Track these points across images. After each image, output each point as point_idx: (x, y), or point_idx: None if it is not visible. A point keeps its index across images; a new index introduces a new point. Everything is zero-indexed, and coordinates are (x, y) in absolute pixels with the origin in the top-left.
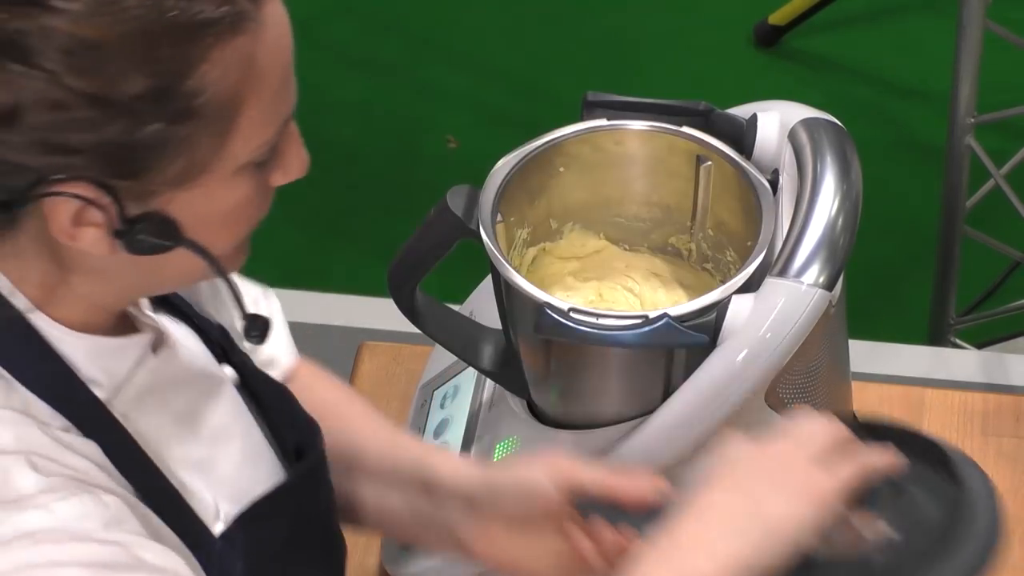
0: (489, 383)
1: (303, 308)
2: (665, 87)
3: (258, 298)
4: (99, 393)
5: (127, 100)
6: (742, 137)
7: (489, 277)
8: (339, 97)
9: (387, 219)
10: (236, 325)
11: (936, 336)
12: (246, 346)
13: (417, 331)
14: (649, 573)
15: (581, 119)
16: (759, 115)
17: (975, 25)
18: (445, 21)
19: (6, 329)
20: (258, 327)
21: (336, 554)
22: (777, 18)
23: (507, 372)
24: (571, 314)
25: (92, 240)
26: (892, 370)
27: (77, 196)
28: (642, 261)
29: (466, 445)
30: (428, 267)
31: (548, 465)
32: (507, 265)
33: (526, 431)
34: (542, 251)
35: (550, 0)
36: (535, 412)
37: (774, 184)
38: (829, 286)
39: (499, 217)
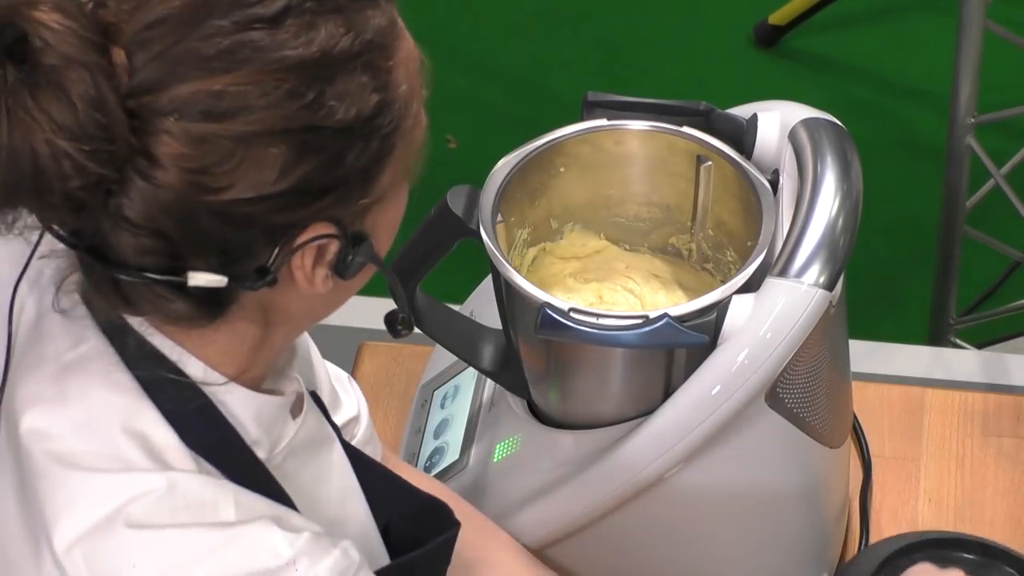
0: (489, 383)
1: None
2: (665, 87)
3: (343, 380)
4: (260, 453)
5: (365, 120)
6: (742, 137)
7: (489, 277)
8: None
9: None
10: (321, 388)
11: (936, 336)
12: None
13: (417, 331)
14: None
15: (581, 119)
16: (759, 115)
17: (975, 25)
18: (445, 21)
19: (194, 413)
20: (405, 322)
21: None
22: (777, 18)
23: (507, 372)
24: (571, 314)
25: (323, 278)
26: (892, 370)
27: (321, 237)
28: (642, 262)
29: (466, 445)
30: (428, 267)
31: None
32: (507, 265)
33: (526, 431)
34: (542, 251)
35: (550, 0)
36: (535, 412)
37: (774, 184)
38: (830, 286)
39: (499, 217)
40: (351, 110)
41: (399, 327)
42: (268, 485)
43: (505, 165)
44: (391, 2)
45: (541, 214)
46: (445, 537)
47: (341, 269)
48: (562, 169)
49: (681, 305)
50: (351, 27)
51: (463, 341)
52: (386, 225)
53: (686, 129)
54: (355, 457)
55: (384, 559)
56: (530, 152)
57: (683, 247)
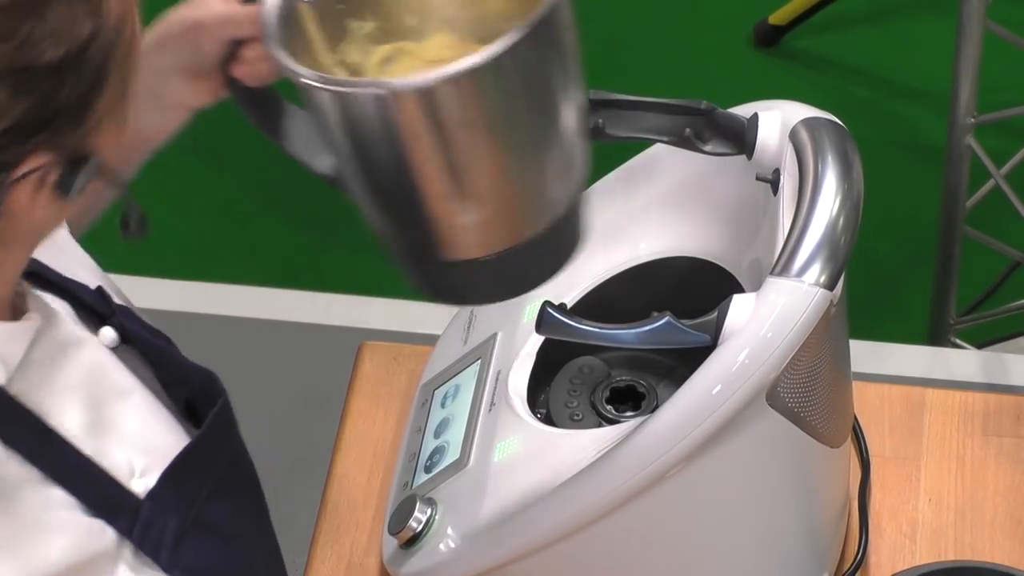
0: (490, 383)
1: (303, 308)
2: (665, 87)
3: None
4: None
5: (78, 52)
6: (743, 136)
7: None
8: None
9: None
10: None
11: (936, 336)
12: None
13: (417, 331)
14: None
15: None
16: (760, 114)
17: (975, 25)
18: None
19: None
20: (135, 220)
21: (260, 499)
22: (777, 18)
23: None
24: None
25: (45, 203)
26: (892, 370)
27: (39, 168)
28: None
29: (466, 445)
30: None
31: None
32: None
33: (527, 431)
34: (399, 51)
35: None
36: (537, 412)
37: (775, 184)
38: (830, 285)
39: None
40: (63, 46)
41: (131, 227)
42: (12, 411)
43: None
44: None
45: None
46: (218, 407)
47: (65, 191)
48: None
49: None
50: None
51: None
52: (111, 141)
53: None
54: (142, 350)
55: (171, 434)
56: None
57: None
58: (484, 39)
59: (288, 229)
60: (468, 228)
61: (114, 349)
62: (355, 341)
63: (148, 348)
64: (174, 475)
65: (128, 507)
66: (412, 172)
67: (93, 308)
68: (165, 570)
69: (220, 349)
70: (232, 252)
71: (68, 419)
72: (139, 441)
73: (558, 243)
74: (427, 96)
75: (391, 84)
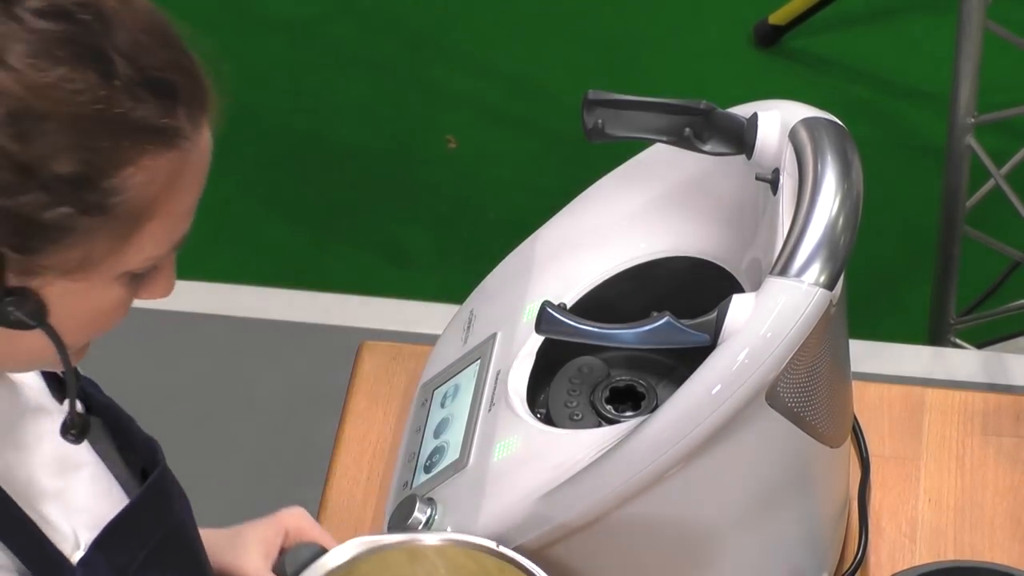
0: (490, 383)
1: (303, 308)
2: (665, 87)
3: None
4: None
5: (50, 177)
6: (743, 136)
7: (489, 275)
8: (339, 97)
9: (387, 219)
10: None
11: (936, 336)
12: None
13: (417, 331)
14: None
15: (581, 119)
16: (760, 114)
17: (975, 25)
18: (445, 21)
19: None
20: (77, 426)
21: (203, 567)
22: (777, 18)
23: None
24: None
25: None
26: (892, 370)
27: None
28: None
29: (466, 445)
30: None
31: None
32: None
33: (526, 431)
34: None
35: (550, 0)
36: (536, 412)
37: (775, 183)
38: (830, 285)
39: None
40: (45, 159)
41: (72, 431)
42: None
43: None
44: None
45: None
46: (153, 477)
47: None
48: None
49: None
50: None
51: None
52: (78, 310)
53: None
54: (104, 419)
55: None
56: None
57: None
58: None
59: (288, 229)
60: None
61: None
62: (355, 341)
63: (108, 418)
64: (105, 542)
65: (63, 574)
66: None
67: (60, 377)
68: None
69: (220, 349)
70: (232, 252)
71: (21, 486)
72: (85, 514)
73: None
74: None
75: None
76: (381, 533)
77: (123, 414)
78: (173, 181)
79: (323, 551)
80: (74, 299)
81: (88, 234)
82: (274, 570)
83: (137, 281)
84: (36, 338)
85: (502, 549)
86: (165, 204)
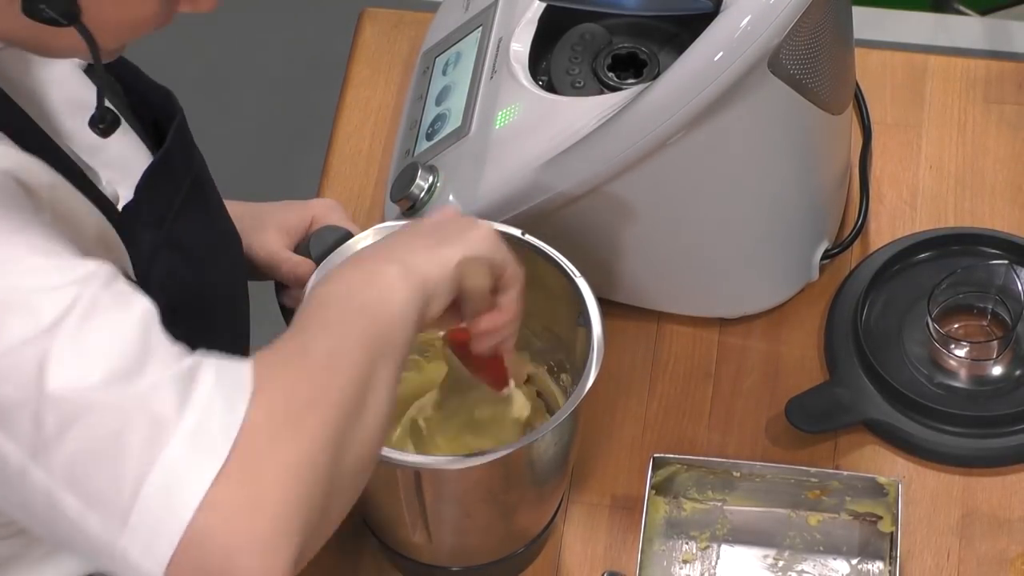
0: (492, 50)
1: None
2: None
3: None
4: None
5: None
6: None
7: None
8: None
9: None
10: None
11: (940, 1)
12: None
13: None
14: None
15: None
16: None
17: None
18: None
19: None
20: (106, 120)
21: (227, 216)
22: None
23: None
24: None
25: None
26: (895, 37)
27: None
28: None
29: (468, 113)
30: None
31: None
32: None
33: (529, 98)
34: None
35: None
36: (538, 79)
37: None
38: None
39: None
40: None
41: (100, 125)
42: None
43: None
44: None
45: None
46: (175, 125)
47: (31, 7)
48: None
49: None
50: None
51: None
52: (113, 14)
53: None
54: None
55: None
56: None
57: None
58: None
59: None
60: (447, 552)
61: (85, 69)
62: (356, 7)
63: (116, 66)
64: (145, 190)
65: (111, 221)
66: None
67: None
68: (140, 283)
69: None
70: None
71: (64, 130)
72: (121, 170)
73: (524, 558)
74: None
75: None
76: (398, 221)
77: (130, 65)
78: None
79: (349, 235)
80: (109, 2)
81: None
82: (299, 251)
83: None
84: (70, 36)
85: (527, 237)
86: None
